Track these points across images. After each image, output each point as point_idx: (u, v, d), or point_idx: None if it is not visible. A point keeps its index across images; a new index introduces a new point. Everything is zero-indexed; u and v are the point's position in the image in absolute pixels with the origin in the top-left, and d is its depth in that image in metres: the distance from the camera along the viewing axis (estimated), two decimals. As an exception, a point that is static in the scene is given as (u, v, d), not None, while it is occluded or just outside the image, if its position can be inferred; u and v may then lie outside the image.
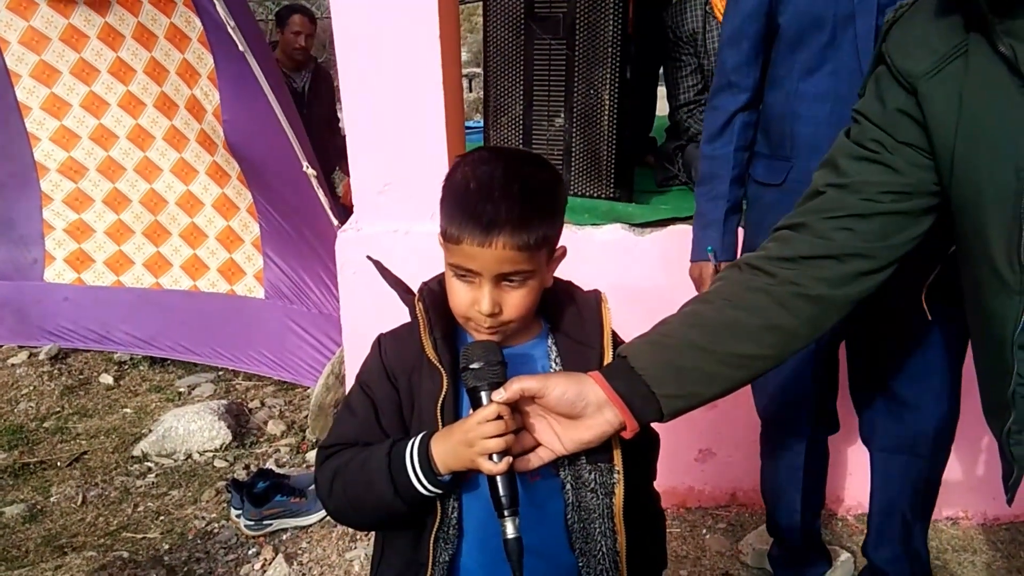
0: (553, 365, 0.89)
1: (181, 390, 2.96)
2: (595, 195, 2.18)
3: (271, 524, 2.09)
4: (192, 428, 2.53)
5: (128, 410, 2.83)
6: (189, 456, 2.49)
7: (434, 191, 2.25)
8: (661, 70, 2.68)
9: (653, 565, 0.99)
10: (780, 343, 0.86)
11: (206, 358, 2.99)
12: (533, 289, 0.84)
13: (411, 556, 0.87)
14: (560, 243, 0.88)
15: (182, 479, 2.37)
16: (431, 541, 0.85)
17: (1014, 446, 0.85)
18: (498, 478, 0.78)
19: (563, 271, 0.92)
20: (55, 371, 3.09)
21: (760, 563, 1.86)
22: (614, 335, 0.90)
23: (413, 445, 0.82)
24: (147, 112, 2.85)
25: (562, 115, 2.15)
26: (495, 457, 0.78)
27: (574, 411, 0.81)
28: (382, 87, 1.92)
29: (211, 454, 2.50)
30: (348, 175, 2.48)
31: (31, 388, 2.98)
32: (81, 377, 3.08)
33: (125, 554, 1.95)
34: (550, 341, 0.90)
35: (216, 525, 2.14)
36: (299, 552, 2.02)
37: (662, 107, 2.84)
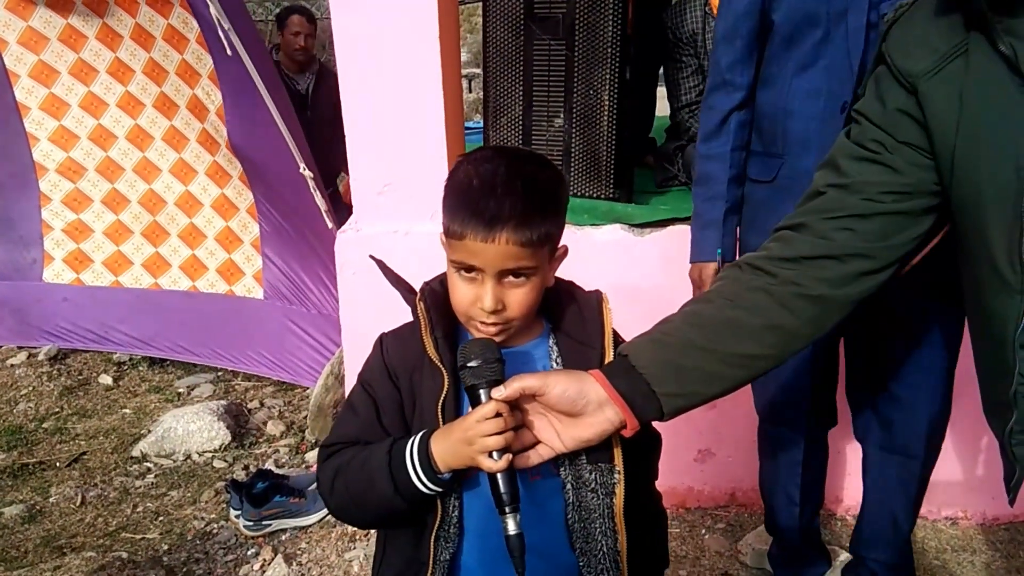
0: (554, 365, 0.89)
1: (180, 390, 2.96)
2: (595, 195, 2.17)
3: (270, 524, 2.09)
4: (191, 428, 2.52)
5: (127, 411, 2.83)
6: (188, 456, 2.49)
7: (434, 192, 2.25)
8: (661, 71, 2.68)
9: (654, 565, 0.99)
10: (781, 343, 0.87)
11: (205, 359, 2.99)
12: (535, 287, 0.84)
13: (412, 555, 0.87)
14: (561, 242, 0.88)
15: (181, 480, 2.37)
16: (432, 540, 0.85)
17: (1016, 446, 0.85)
18: (498, 475, 0.78)
19: (563, 271, 0.92)
20: (54, 371, 3.09)
21: (759, 563, 1.86)
22: (615, 335, 0.90)
23: (413, 443, 0.82)
24: (146, 112, 2.85)
25: (562, 115, 2.15)
26: (495, 454, 0.78)
27: (575, 409, 0.81)
28: (382, 88, 1.92)
29: (210, 454, 2.49)
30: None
31: (30, 388, 2.98)
32: (80, 378, 3.07)
33: (124, 555, 1.94)
34: (551, 341, 0.91)
35: (215, 526, 2.13)
36: (298, 552, 2.02)
37: (662, 107, 2.85)
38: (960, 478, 2.03)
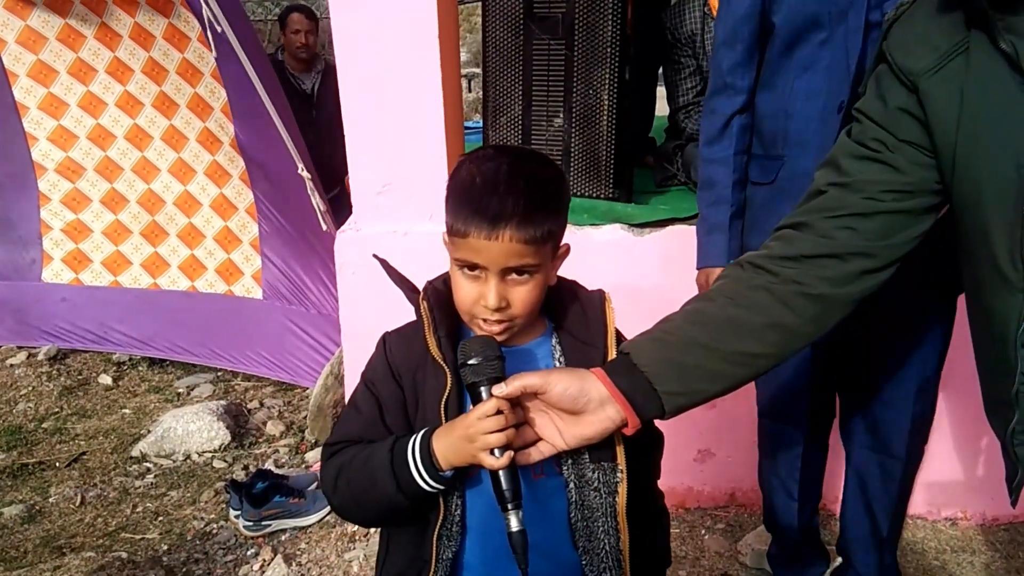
0: (557, 364, 0.89)
1: (180, 391, 2.96)
2: (594, 195, 2.17)
3: (270, 525, 2.08)
4: (191, 429, 2.52)
5: (127, 411, 2.83)
6: (188, 457, 2.49)
7: (433, 192, 2.24)
8: (660, 71, 2.68)
9: (657, 563, 0.99)
10: (782, 341, 0.87)
11: (204, 359, 2.99)
12: (538, 284, 0.84)
13: (415, 553, 0.88)
14: (563, 241, 0.88)
15: (181, 480, 2.37)
16: (434, 538, 0.85)
17: (1018, 447, 0.85)
18: (500, 472, 0.78)
19: (562, 271, 0.92)
20: (54, 371, 3.09)
21: (759, 563, 1.86)
22: (618, 334, 0.91)
23: (415, 441, 0.83)
24: (145, 112, 2.85)
25: (561, 115, 2.15)
26: (496, 452, 0.78)
27: (576, 407, 0.81)
28: (381, 87, 1.92)
29: (210, 455, 2.49)
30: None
31: (30, 388, 2.98)
32: (80, 378, 3.07)
33: (124, 555, 1.94)
34: (554, 340, 0.91)
35: (215, 526, 2.13)
36: (298, 553, 2.02)
37: (662, 107, 2.84)
38: (960, 478, 2.03)
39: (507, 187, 0.80)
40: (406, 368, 0.88)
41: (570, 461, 0.86)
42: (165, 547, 2.04)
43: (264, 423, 2.69)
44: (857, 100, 0.92)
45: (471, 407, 0.82)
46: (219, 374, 3.03)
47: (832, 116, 1.35)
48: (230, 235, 2.92)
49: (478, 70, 2.77)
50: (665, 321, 0.89)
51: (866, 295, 0.89)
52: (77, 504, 2.25)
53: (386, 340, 0.91)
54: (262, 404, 2.83)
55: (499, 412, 0.79)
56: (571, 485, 0.87)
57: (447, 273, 0.89)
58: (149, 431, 2.61)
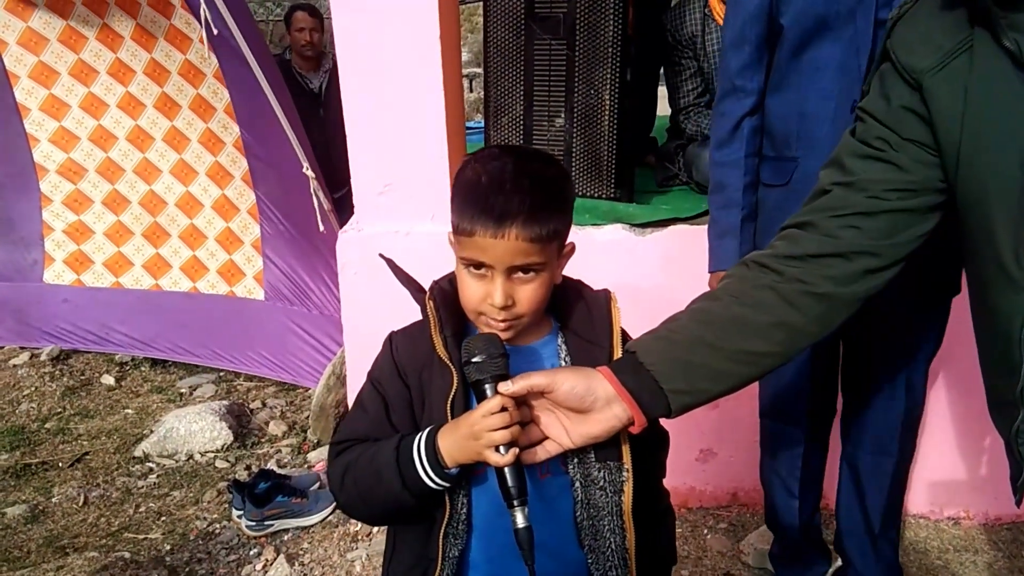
0: (562, 364, 0.90)
1: (182, 391, 2.96)
2: (596, 195, 2.17)
3: (272, 525, 2.09)
4: (193, 429, 2.53)
5: (129, 411, 2.83)
6: (190, 457, 2.49)
7: (435, 192, 2.25)
8: (662, 71, 2.68)
9: (662, 562, 1.00)
10: (788, 340, 0.87)
11: (206, 360, 2.99)
12: (544, 283, 0.85)
13: (421, 551, 0.88)
14: (567, 240, 0.89)
15: (183, 480, 2.37)
16: (440, 536, 0.86)
17: (1022, 445, 0.85)
18: (506, 469, 0.79)
19: (564, 271, 0.92)
20: (56, 372, 3.09)
21: (761, 563, 1.86)
22: (623, 334, 0.91)
23: (420, 439, 0.83)
24: (146, 113, 2.85)
25: (562, 115, 2.15)
26: (501, 449, 0.78)
27: (583, 406, 0.81)
28: (382, 87, 1.92)
29: (212, 455, 2.50)
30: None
31: (32, 389, 2.98)
32: (83, 378, 3.08)
33: (127, 555, 1.95)
34: (560, 339, 0.91)
35: (217, 526, 2.14)
36: (300, 553, 2.02)
37: (663, 107, 2.84)
38: (962, 478, 2.03)
39: (513, 186, 0.81)
40: (412, 367, 0.88)
41: (576, 460, 0.87)
42: (168, 547, 2.05)
43: (266, 423, 2.69)
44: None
45: (477, 406, 0.82)
46: (221, 374, 3.04)
47: (845, 116, 1.35)
48: (232, 236, 2.92)
49: (479, 70, 2.77)
50: (671, 320, 0.89)
51: (871, 294, 0.89)
52: (80, 504, 2.25)
53: (392, 339, 0.92)
54: (264, 404, 2.83)
55: (503, 409, 0.79)
56: (577, 484, 0.87)
57: (453, 273, 0.89)
58: (152, 431, 2.61)
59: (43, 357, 3.17)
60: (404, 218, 1.99)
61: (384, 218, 2.00)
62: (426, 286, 0.92)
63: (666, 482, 1.02)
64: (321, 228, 2.54)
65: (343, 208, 2.71)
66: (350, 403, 2.23)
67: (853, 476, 1.59)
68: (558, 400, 0.82)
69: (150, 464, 2.47)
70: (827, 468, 1.68)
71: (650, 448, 0.91)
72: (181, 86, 2.74)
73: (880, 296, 0.91)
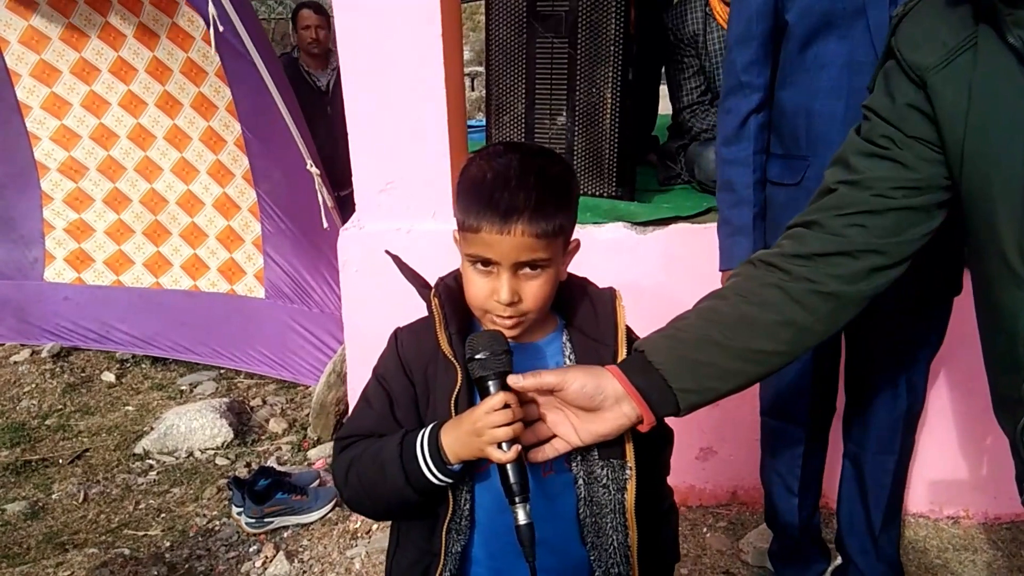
0: (567, 361, 0.90)
1: (183, 388, 2.96)
2: (597, 193, 2.17)
3: (272, 522, 2.09)
4: (194, 426, 2.53)
5: (130, 408, 2.84)
6: (191, 454, 2.49)
7: (436, 190, 2.25)
8: (663, 69, 2.68)
9: (665, 559, 1.00)
10: (795, 339, 0.87)
11: (206, 358, 2.99)
12: (550, 279, 0.85)
13: (425, 546, 0.89)
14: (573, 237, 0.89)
15: (183, 477, 2.37)
16: (444, 532, 0.86)
17: None
18: (508, 466, 0.79)
19: (568, 269, 0.92)
20: (57, 369, 3.09)
21: (761, 561, 1.86)
22: (629, 332, 0.91)
23: (424, 435, 0.83)
24: (148, 111, 2.85)
25: (564, 113, 2.15)
26: (504, 445, 0.78)
27: (592, 404, 0.81)
28: (384, 86, 1.92)
29: (212, 452, 2.50)
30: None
31: (33, 386, 2.99)
32: (83, 375, 3.08)
33: (126, 551, 1.95)
34: (565, 337, 0.91)
35: (217, 523, 2.14)
36: (300, 550, 2.02)
37: (664, 106, 2.84)
38: (962, 477, 2.03)
39: (518, 182, 0.81)
40: (417, 363, 0.88)
41: (579, 458, 0.87)
42: (167, 544, 2.05)
43: (267, 420, 2.69)
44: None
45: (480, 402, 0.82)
46: (222, 372, 3.04)
47: (858, 116, 1.35)
48: (232, 234, 2.92)
49: (481, 69, 2.77)
50: (679, 319, 0.89)
51: (878, 292, 0.89)
52: (80, 501, 2.26)
53: (398, 336, 0.92)
54: (264, 402, 2.83)
55: (506, 406, 0.79)
56: (580, 482, 0.87)
57: (458, 270, 0.89)
58: (152, 428, 2.61)
59: (44, 354, 3.17)
60: (405, 216, 1.99)
61: (385, 216, 2.00)
62: (431, 283, 0.92)
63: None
64: (325, 225, 2.54)
65: (349, 206, 2.72)
66: (350, 401, 2.24)
67: (856, 474, 1.59)
68: (568, 398, 0.82)
69: (150, 461, 2.47)
70: (826, 467, 1.69)
71: (654, 446, 0.92)
72: (183, 84, 2.74)
73: (882, 295, 0.91)
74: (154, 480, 2.36)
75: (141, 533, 2.11)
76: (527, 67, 2.16)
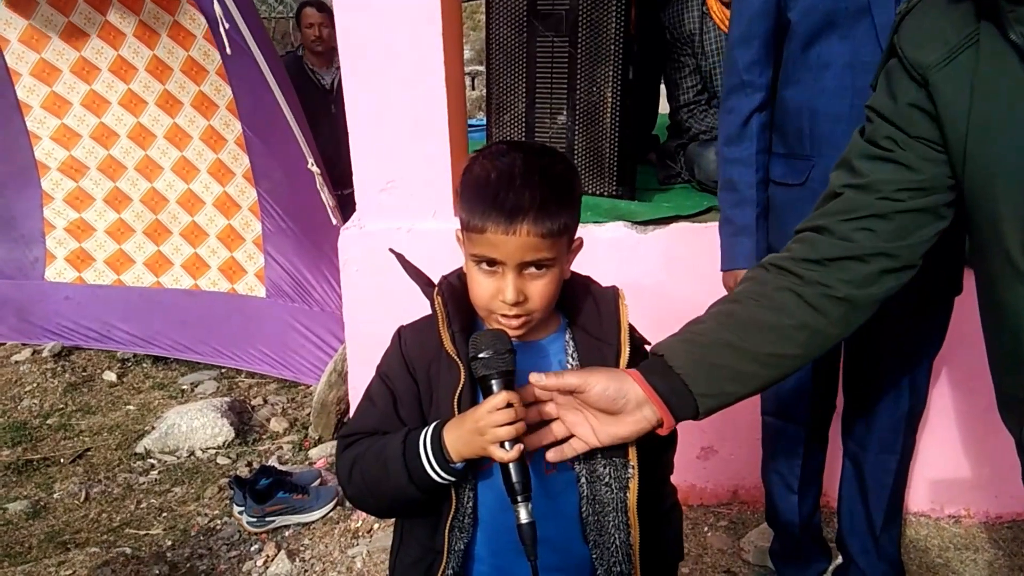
0: (570, 360, 0.90)
1: (184, 387, 2.96)
2: (597, 192, 2.17)
3: (273, 521, 2.09)
4: (195, 425, 2.53)
5: (131, 407, 2.84)
6: (192, 453, 2.49)
7: (437, 189, 2.25)
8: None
9: (668, 558, 1.00)
10: (810, 342, 0.87)
11: (207, 357, 3.00)
12: (555, 278, 0.85)
13: (428, 544, 0.89)
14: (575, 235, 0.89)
15: (185, 476, 2.38)
16: (447, 530, 0.86)
17: None
18: (510, 465, 0.79)
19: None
20: (58, 368, 3.09)
21: (762, 560, 1.86)
22: (632, 331, 0.91)
23: (427, 433, 0.83)
24: (148, 110, 2.85)
25: (565, 112, 2.15)
26: (506, 444, 0.79)
27: (614, 407, 0.82)
28: (385, 85, 1.92)
29: (214, 451, 2.50)
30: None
31: (34, 385, 2.99)
32: (84, 374, 3.08)
33: (128, 550, 1.95)
34: (568, 335, 0.91)
35: (219, 522, 2.14)
36: (301, 549, 2.03)
37: (664, 105, 2.84)
38: (963, 476, 2.03)
39: (523, 181, 0.81)
40: (421, 362, 0.89)
41: (582, 457, 0.87)
42: (169, 543, 2.05)
43: (268, 420, 2.69)
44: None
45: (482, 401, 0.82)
46: (223, 371, 3.04)
47: (863, 116, 1.34)
48: (233, 233, 2.92)
49: (482, 68, 2.77)
50: (694, 323, 0.90)
51: (890, 294, 0.89)
52: (81, 500, 2.26)
53: (401, 334, 0.92)
54: (266, 401, 2.83)
55: (509, 405, 0.79)
56: (583, 480, 0.87)
57: (462, 268, 0.89)
58: (153, 427, 2.61)
59: (45, 353, 3.18)
60: (406, 215, 1.99)
61: (386, 215, 2.00)
62: (434, 281, 0.92)
63: (666, 479, 1.02)
64: (334, 222, 2.53)
65: (352, 205, 2.73)
66: (351, 400, 2.24)
67: (856, 474, 1.59)
68: (589, 400, 0.82)
69: (151, 460, 2.47)
70: (827, 466, 1.69)
71: (657, 446, 0.91)
72: (183, 83, 2.74)
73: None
74: (155, 479, 2.36)
75: (143, 532, 2.11)
76: (527, 66, 2.16)
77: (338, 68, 3.61)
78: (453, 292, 0.89)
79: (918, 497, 2.05)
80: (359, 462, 0.87)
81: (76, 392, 2.94)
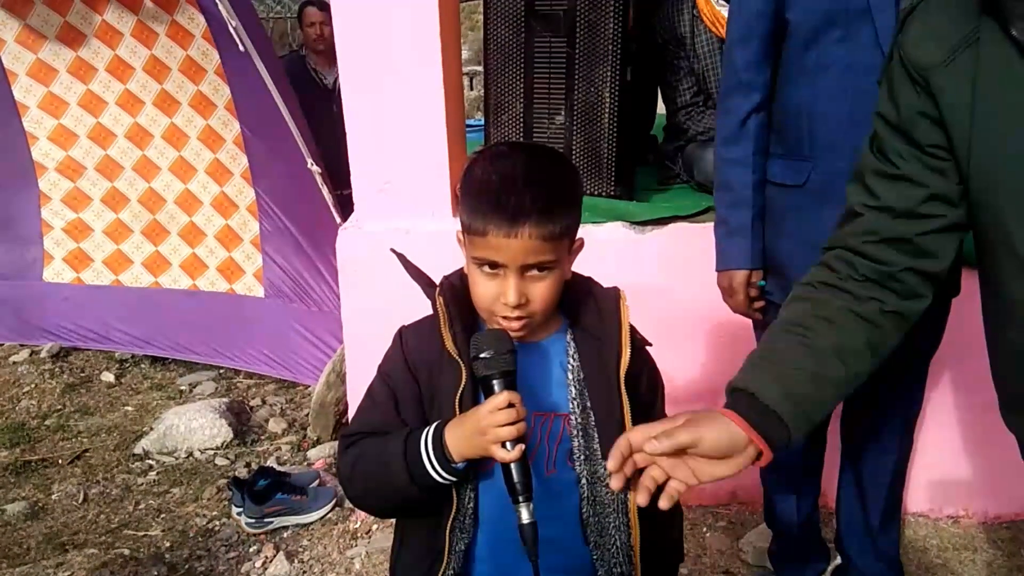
0: (571, 361, 0.90)
1: (182, 388, 2.96)
2: (596, 193, 2.17)
3: (272, 522, 2.09)
4: (193, 426, 2.53)
5: (129, 408, 2.83)
6: (190, 454, 2.49)
7: (435, 189, 2.24)
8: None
9: (668, 559, 1.00)
10: (874, 358, 0.88)
11: (206, 357, 2.99)
12: (556, 280, 0.85)
13: (429, 544, 0.89)
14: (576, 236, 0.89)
15: (183, 477, 2.37)
16: (448, 530, 0.86)
17: None
18: (512, 465, 0.79)
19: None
20: (56, 369, 3.09)
21: (761, 561, 1.86)
22: (632, 331, 0.91)
23: (428, 433, 0.83)
24: (146, 110, 2.85)
25: (563, 113, 2.15)
26: (508, 444, 0.78)
27: (728, 455, 0.79)
28: (383, 85, 1.92)
29: (212, 452, 2.50)
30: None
31: (32, 386, 2.99)
32: (82, 375, 3.08)
33: (126, 552, 1.95)
34: (569, 336, 0.91)
35: (217, 523, 2.14)
36: (300, 550, 2.02)
37: (663, 105, 2.84)
38: (962, 476, 2.03)
39: (525, 184, 0.81)
40: (422, 362, 0.89)
41: (583, 457, 0.87)
42: (167, 544, 2.05)
43: (266, 420, 2.69)
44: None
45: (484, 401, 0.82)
46: (221, 372, 3.04)
47: (866, 118, 1.33)
48: (231, 233, 2.92)
49: (479, 68, 2.76)
50: (768, 351, 0.88)
51: (932, 299, 0.90)
52: (80, 501, 2.26)
53: (402, 334, 0.92)
54: (264, 401, 2.83)
55: (510, 405, 0.79)
56: (584, 481, 0.87)
57: (463, 269, 0.89)
58: (151, 428, 2.61)
59: (43, 354, 3.17)
60: (404, 215, 1.98)
61: (384, 215, 2.00)
62: (436, 281, 0.92)
63: (665, 480, 1.01)
64: (338, 220, 2.53)
65: (352, 204, 2.72)
66: (350, 400, 2.24)
67: (854, 475, 1.59)
68: (702, 453, 0.79)
69: (150, 461, 2.47)
70: (825, 466, 1.69)
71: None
72: (181, 83, 2.73)
73: None
74: (154, 480, 2.36)
75: (141, 533, 2.11)
76: (525, 66, 2.16)
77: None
78: (454, 292, 0.89)
79: (916, 497, 2.05)
80: (360, 462, 0.87)
81: (74, 393, 2.93)
